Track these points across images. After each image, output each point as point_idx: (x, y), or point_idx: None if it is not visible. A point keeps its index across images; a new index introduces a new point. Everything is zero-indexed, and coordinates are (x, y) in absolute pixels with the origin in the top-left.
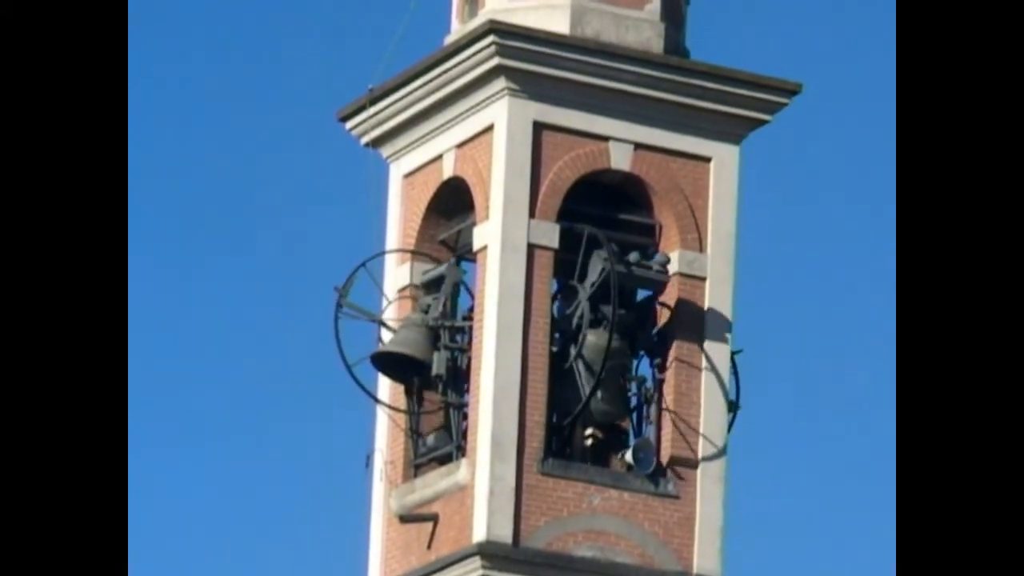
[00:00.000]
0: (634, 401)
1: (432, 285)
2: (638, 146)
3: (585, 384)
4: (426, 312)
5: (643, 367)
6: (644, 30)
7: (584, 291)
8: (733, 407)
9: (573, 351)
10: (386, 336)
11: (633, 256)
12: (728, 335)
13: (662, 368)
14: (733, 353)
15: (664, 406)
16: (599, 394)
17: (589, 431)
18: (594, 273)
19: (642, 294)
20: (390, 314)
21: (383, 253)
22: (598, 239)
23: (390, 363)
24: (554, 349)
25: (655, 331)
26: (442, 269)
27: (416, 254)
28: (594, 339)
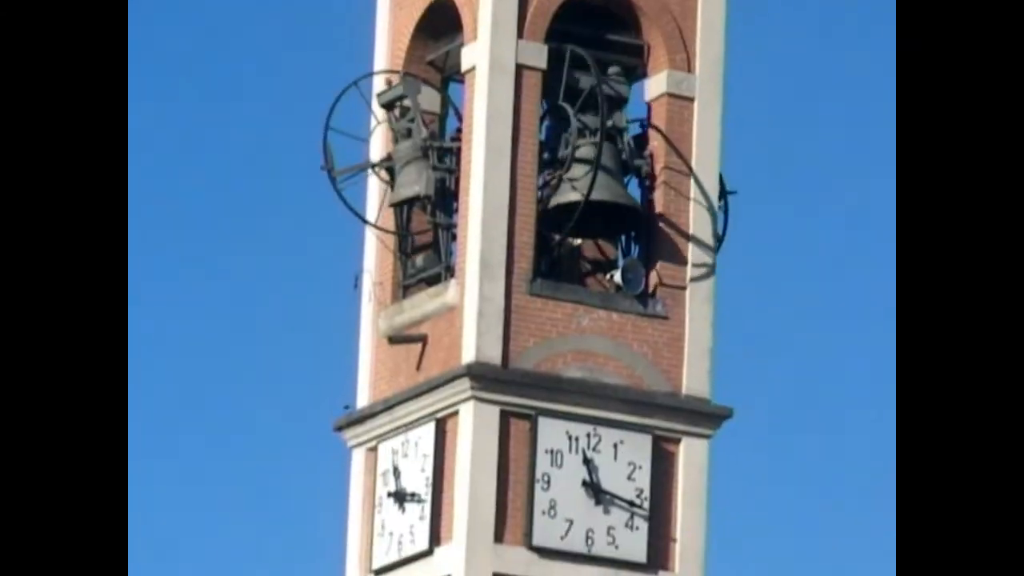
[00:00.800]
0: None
1: (392, 105)
2: None
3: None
4: (408, 135)
5: (632, 188)
6: None
7: (571, 111)
8: (720, 235)
9: (563, 167)
10: (379, 163)
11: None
12: (716, 157)
13: (651, 189)
14: (724, 190)
15: (653, 228)
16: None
17: (579, 248)
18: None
19: (631, 114)
20: (378, 136)
21: (371, 74)
22: (583, 58)
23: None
24: (544, 173)
25: (645, 152)
26: (399, 89)
27: (404, 75)
28: (584, 151)
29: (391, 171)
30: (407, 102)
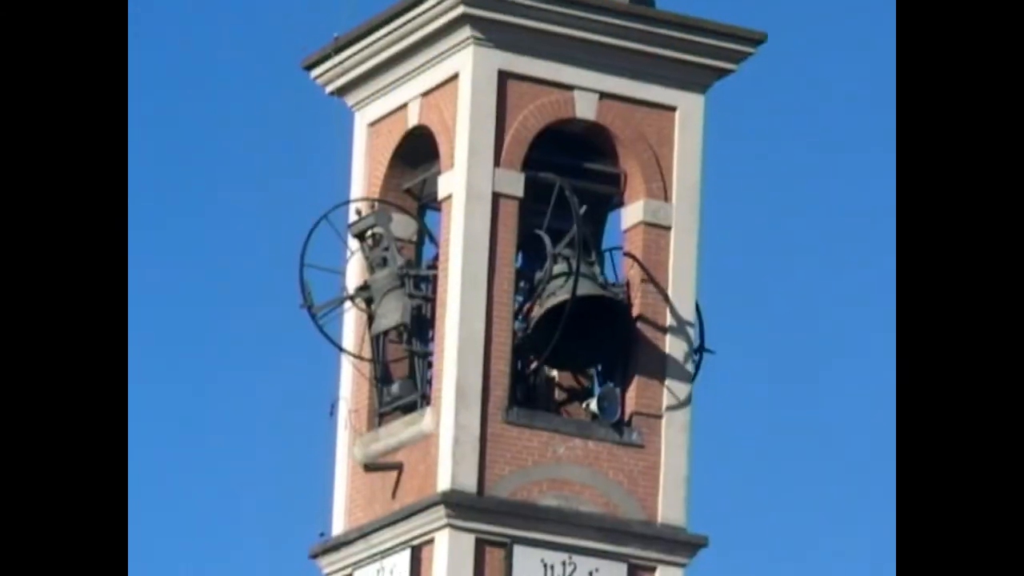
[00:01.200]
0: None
1: (363, 235)
2: (603, 95)
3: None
4: (384, 264)
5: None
6: None
7: (550, 246)
8: (699, 352)
9: (538, 302)
10: (357, 294)
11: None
12: (693, 284)
13: (628, 319)
14: (701, 318)
15: (629, 356)
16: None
17: (554, 378)
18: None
19: (607, 243)
20: (354, 264)
21: (347, 203)
22: (564, 192)
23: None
24: (519, 299)
25: (620, 282)
26: (370, 219)
27: (381, 203)
28: (560, 267)
29: (368, 301)
30: (378, 230)
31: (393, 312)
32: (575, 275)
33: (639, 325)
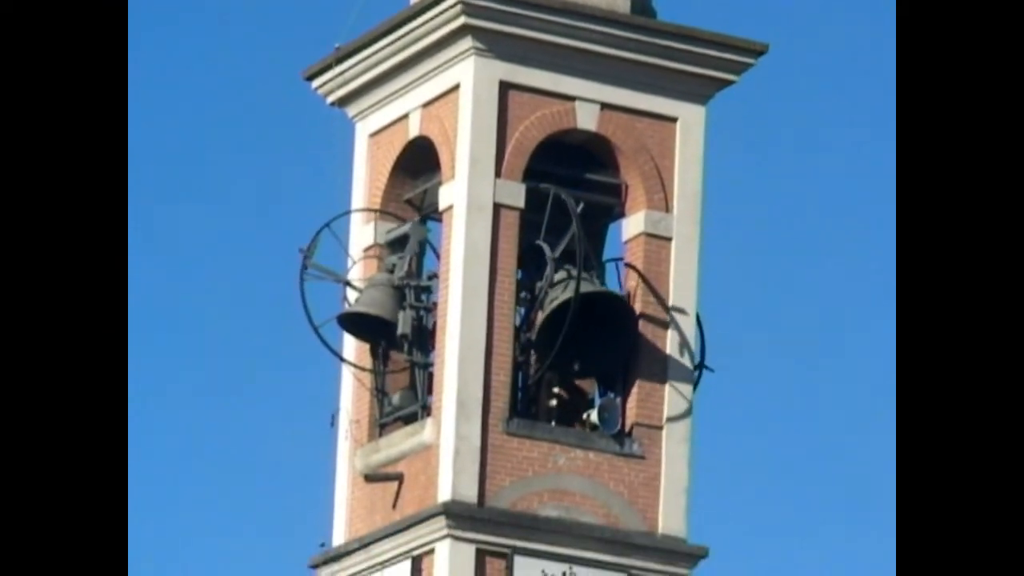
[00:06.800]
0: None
1: (397, 244)
2: (604, 106)
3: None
4: (391, 271)
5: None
6: None
7: (549, 252)
8: (699, 368)
9: (540, 309)
10: (352, 296)
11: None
12: (694, 295)
13: (631, 318)
14: (703, 330)
15: (630, 366)
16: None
17: (555, 390)
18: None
19: (608, 254)
20: (355, 274)
21: (348, 212)
22: (561, 198)
23: (357, 323)
24: (520, 310)
25: (622, 291)
26: (406, 228)
27: (382, 213)
28: (560, 275)
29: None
30: (413, 241)
31: (370, 303)
32: (577, 277)
33: (640, 336)
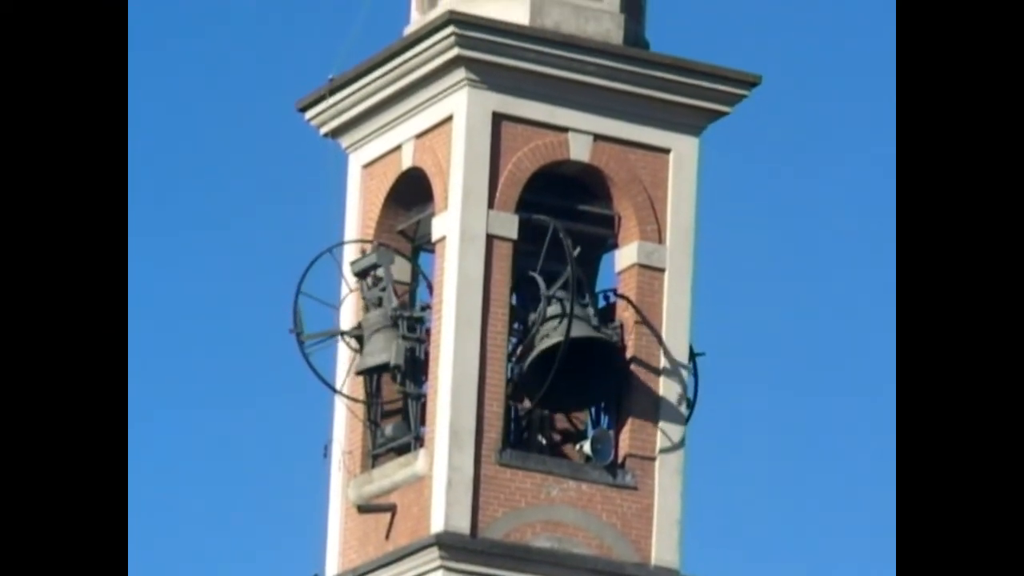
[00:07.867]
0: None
1: (365, 274)
2: (597, 137)
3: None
4: (379, 305)
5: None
6: (604, 21)
7: (543, 288)
8: (690, 404)
9: (532, 345)
10: (353, 341)
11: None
12: (687, 327)
13: (621, 361)
14: (694, 354)
15: (623, 398)
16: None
17: (547, 421)
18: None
19: (601, 285)
20: (349, 304)
21: (341, 244)
22: (558, 234)
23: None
24: (512, 340)
25: (614, 323)
26: (372, 258)
27: (375, 244)
28: (553, 308)
29: (360, 340)
30: (380, 272)
31: (382, 351)
32: (569, 317)
33: (633, 367)
